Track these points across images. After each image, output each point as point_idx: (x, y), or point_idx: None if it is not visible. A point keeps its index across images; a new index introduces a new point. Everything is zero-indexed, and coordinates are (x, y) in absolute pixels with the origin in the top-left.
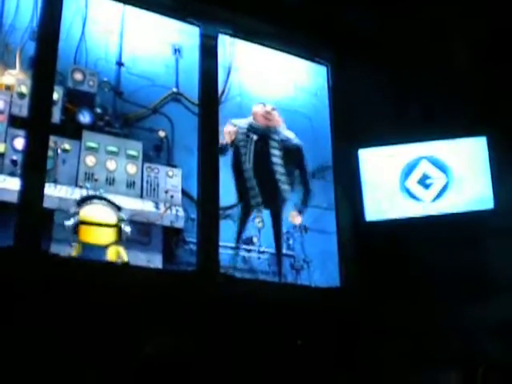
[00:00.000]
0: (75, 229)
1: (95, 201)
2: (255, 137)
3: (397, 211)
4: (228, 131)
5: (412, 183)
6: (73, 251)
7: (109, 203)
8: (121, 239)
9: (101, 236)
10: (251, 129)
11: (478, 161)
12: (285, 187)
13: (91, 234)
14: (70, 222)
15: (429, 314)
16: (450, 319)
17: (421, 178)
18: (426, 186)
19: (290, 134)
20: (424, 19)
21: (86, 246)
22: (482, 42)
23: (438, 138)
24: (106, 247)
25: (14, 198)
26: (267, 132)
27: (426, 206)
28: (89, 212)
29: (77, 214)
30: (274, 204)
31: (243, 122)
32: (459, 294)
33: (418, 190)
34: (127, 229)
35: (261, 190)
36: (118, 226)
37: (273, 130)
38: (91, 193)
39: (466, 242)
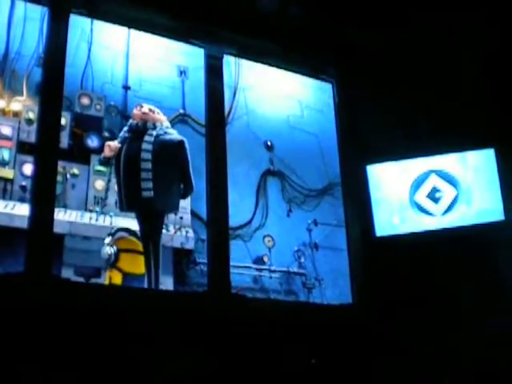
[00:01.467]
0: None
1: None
2: (129, 135)
3: (407, 226)
4: (108, 144)
5: (421, 197)
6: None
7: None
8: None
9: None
10: (128, 129)
11: (487, 173)
12: (148, 185)
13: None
14: (108, 251)
15: (442, 330)
16: (464, 334)
17: (430, 192)
18: (436, 200)
19: (170, 131)
20: (430, 34)
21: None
22: (488, 55)
23: (447, 152)
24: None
25: (23, 224)
26: (142, 128)
27: (436, 220)
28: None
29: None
30: (138, 204)
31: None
32: (472, 309)
33: (427, 203)
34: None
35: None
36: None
37: (149, 126)
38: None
39: (477, 255)
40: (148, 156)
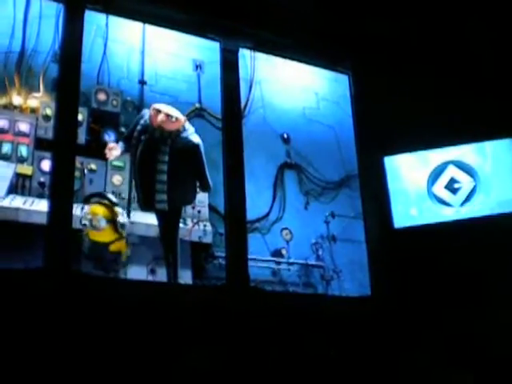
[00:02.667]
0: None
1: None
2: (145, 137)
3: (425, 217)
4: (109, 149)
5: (439, 188)
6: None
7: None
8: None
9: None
10: (142, 129)
11: (505, 162)
12: (162, 197)
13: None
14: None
15: (462, 321)
16: (484, 325)
17: (448, 183)
18: (454, 191)
19: (186, 133)
20: (445, 22)
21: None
22: (505, 44)
23: (464, 142)
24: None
25: (42, 220)
26: (159, 136)
27: (454, 211)
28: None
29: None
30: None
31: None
32: (494, 299)
33: (445, 194)
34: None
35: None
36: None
37: (166, 135)
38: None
39: (496, 246)
40: (164, 168)
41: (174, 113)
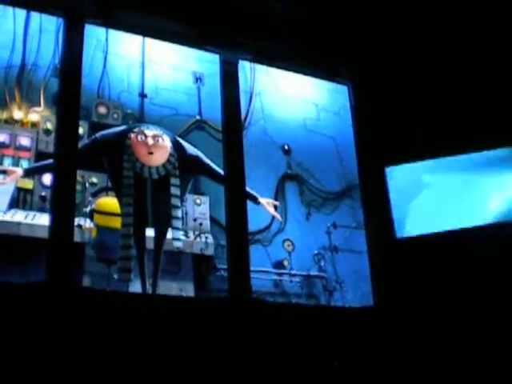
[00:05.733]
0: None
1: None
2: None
3: (427, 227)
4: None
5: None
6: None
7: None
8: None
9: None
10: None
11: (507, 172)
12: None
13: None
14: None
15: (467, 332)
16: (491, 336)
17: None
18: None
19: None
20: (445, 33)
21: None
22: (505, 50)
23: (465, 152)
24: None
25: (44, 234)
26: (163, 175)
27: (458, 220)
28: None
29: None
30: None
31: None
32: (499, 310)
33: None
34: None
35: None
36: None
37: (168, 167)
38: None
39: (500, 254)
40: (177, 203)
41: (158, 132)
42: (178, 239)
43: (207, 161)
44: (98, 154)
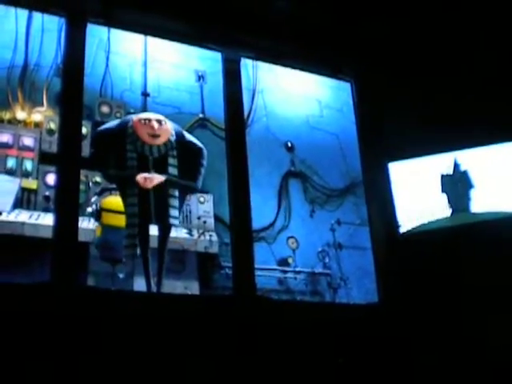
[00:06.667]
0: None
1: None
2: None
3: (431, 222)
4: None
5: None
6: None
7: None
8: None
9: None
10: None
11: (508, 166)
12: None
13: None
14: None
15: (470, 328)
16: (494, 331)
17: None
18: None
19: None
20: (449, 30)
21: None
22: (507, 48)
23: (468, 147)
24: None
25: (48, 234)
26: (163, 153)
27: (462, 215)
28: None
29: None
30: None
31: None
32: (502, 306)
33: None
34: None
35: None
36: None
37: (169, 146)
38: None
39: (506, 249)
40: (175, 193)
41: (159, 116)
42: (175, 217)
43: (200, 162)
44: (104, 148)
